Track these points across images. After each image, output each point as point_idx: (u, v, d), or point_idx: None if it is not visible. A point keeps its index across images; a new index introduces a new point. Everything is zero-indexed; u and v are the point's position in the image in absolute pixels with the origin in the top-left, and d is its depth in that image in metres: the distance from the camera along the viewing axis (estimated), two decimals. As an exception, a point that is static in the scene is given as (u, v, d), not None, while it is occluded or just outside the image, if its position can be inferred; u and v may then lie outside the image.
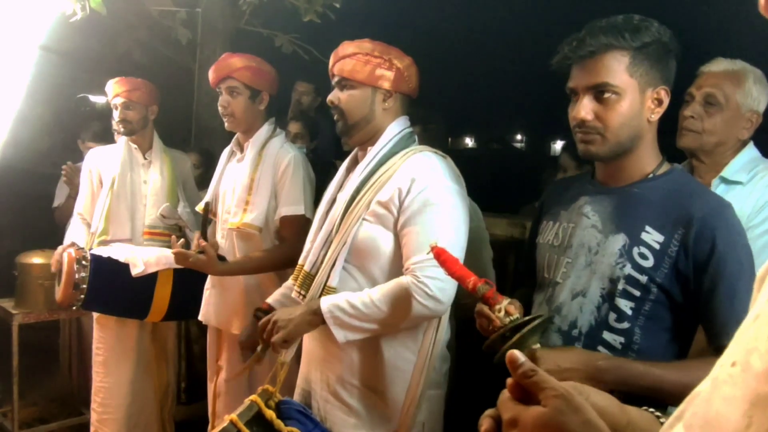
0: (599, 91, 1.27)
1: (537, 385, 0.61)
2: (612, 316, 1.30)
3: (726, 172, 1.79)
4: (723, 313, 1.21)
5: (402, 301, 1.60)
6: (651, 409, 0.70)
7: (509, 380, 0.64)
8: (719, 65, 1.82)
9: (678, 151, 1.85)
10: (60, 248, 2.61)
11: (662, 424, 0.68)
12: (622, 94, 1.26)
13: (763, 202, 1.73)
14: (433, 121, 2.48)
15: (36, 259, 3.14)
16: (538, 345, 1.24)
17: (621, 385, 1.20)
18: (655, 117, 1.31)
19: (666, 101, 1.30)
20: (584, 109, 1.29)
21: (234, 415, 1.41)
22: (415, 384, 1.69)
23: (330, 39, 1.93)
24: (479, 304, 1.32)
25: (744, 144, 1.83)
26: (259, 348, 1.78)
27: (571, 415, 0.58)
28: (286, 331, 1.66)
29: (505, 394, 0.64)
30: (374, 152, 1.76)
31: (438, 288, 1.59)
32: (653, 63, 1.27)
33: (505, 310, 1.25)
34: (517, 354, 0.63)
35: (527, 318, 1.24)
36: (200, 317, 2.50)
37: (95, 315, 2.78)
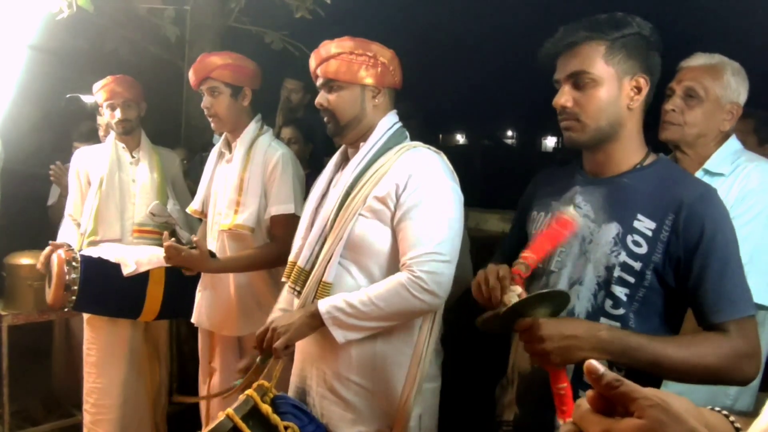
0: (578, 79, 1.34)
1: (627, 396, 0.57)
2: (608, 302, 1.33)
3: (709, 164, 1.83)
4: (714, 293, 1.26)
5: (399, 297, 1.60)
6: (717, 408, 0.68)
7: (589, 392, 0.60)
8: (698, 60, 1.86)
9: (663, 146, 1.88)
10: (47, 249, 2.59)
11: (732, 423, 0.66)
12: (599, 81, 1.33)
13: (744, 193, 1.77)
14: (412, 116, 2.48)
15: (24, 259, 3.11)
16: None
17: (622, 356, 1.22)
18: (635, 104, 1.35)
19: (645, 89, 1.35)
20: (564, 96, 1.36)
21: (230, 410, 1.41)
22: (412, 377, 1.69)
23: (320, 35, 1.92)
24: (501, 270, 1.31)
25: (726, 136, 1.86)
26: (258, 359, 1.77)
27: (674, 425, 0.55)
28: (287, 337, 1.67)
29: (584, 406, 0.60)
30: (367, 148, 1.76)
31: (434, 282, 1.60)
32: (631, 53, 1.33)
33: (519, 296, 1.25)
34: (596, 364, 0.58)
35: (536, 293, 1.23)
36: (193, 319, 2.49)
37: (86, 316, 2.76)
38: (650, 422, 0.55)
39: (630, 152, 1.38)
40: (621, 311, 1.32)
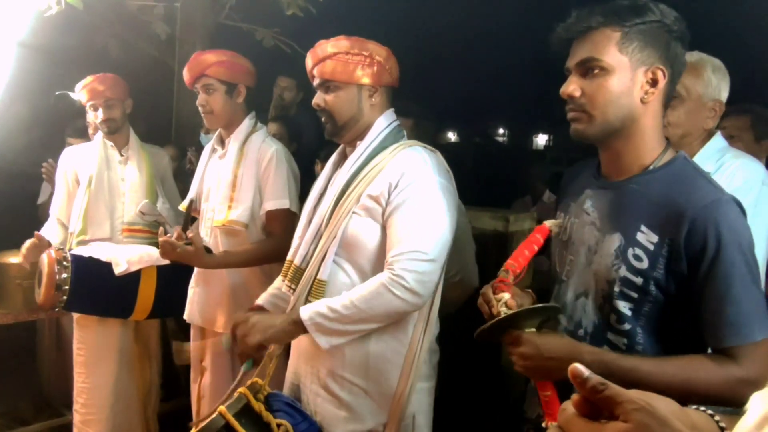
0: (587, 68, 1.24)
1: (612, 399, 0.57)
2: (612, 317, 1.26)
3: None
4: (713, 317, 1.16)
5: (381, 297, 1.59)
6: (702, 408, 0.68)
7: (574, 396, 0.59)
8: None
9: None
10: (28, 242, 2.57)
11: (717, 422, 0.66)
12: (609, 70, 1.22)
13: (730, 191, 1.76)
14: (426, 117, 2.49)
15: (13, 258, 3.07)
16: (534, 330, 1.24)
17: (606, 379, 1.18)
18: (650, 98, 1.25)
19: (662, 82, 1.24)
20: (571, 85, 1.26)
21: (222, 407, 1.40)
22: (406, 376, 1.69)
23: (312, 33, 1.92)
24: (485, 286, 1.31)
25: (710, 134, 1.87)
26: (243, 366, 1.76)
27: (659, 428, 0.55)
28: (264, 336, 1.65)
29: (569, 410, 0.60)
30: (363, 147, 1.76)
31: (416, 280, 1.58)
32: (648, 42, 1.23)
33: (506, 303, 1.24)
34: (580, 368, 0.58)
35: (524, 309, 1.24)
36: (185, 316, 2.48)
37: (75, 315, 2.74)
38: (635, 425, 0.55)
39: (643, 153, 1.27)
40: (627, 326, 1.24)
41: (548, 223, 1.37)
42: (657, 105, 1.27)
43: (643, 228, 1.22)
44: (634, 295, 1.23)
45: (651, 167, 1.27)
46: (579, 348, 1.21)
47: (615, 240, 1.25)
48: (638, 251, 1.22)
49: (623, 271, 1.23)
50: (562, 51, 1.30)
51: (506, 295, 1.25)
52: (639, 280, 1.22)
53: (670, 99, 1.30)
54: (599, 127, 1.25)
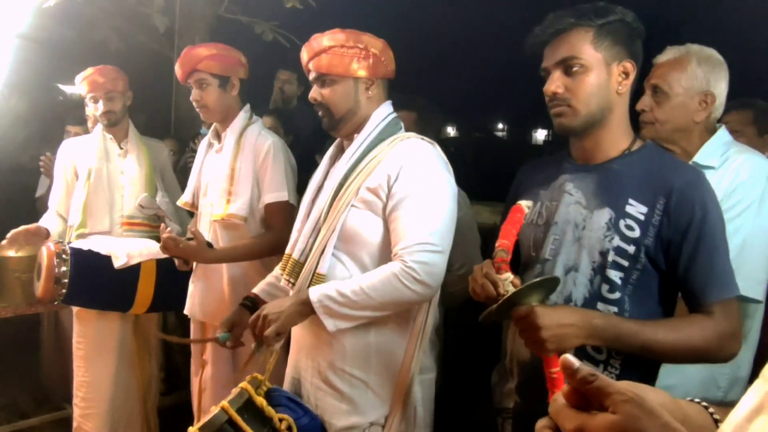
0: (567, 66, 1.37)
1: (601, 391, 0.57)
2: (604, 287, 1.36)
3: (698, 158, 1.82)
4: (703, 276, 1.31)
5: (391, 286, 1.60)
6: (697, 400, 0.68)
7: (565, 387, 0.60)
8: (666, 55, 1.86)
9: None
10: (22, 228, 2.56)
11: (711, 414, 0.66)
12: (588, 67, 1.36)
13: (735, 185, 1.76)
14: (430, 110, 2.49)
15: (12, 252, 3.07)
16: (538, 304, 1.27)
17: (615, 342, 1.27)
18: (623, 89, 1.39)
19: (632, 74, 1.39)
20: (554, 83, 1.38)
21: (225, 402, 1.41)
22: (407, 368, 1.69)
23: (311, 26, 1.90)
24: (484, 266, 1.32)
25: (712, 128, 1.86)
26: (253, 346, 1.75)
27: (647, 420, 0.55)
28: (278, 324, 1.65)
29: (559, 401, 0.60)
30: (361, 139, 1.75)
31: (426, 272, 1.59)
32: (617, 39, 1.37)
33: (512, 282, 1.27)
34: (571, 359, 0.58)
35: (530, 282, 1.25)
36: (186, 311, 2.48)
37: (75, 309, 2.74)
38: (624, 417, 0.55)
39: (618, 138, 1.41)
40: (617, 295, 1.35)
41: (522, 203, 1.42)
42: (627, 95, 1.42)
43: (631, 201, 1.35)
44: (626, 263, 1.34)
45: (627, 151, 1.41)
46: (590, 313, 1.30)
47: (604, 214, 1.36)
48: (630, 222, 1.34)
49: (617, 241, 1.34)
50: (536, 54, 1.44)
51: (510, 275, 1.28)
52: (632, 249, 1.33)
53: (635, 90, 1.44)
54: (583, 118, 1.38)
